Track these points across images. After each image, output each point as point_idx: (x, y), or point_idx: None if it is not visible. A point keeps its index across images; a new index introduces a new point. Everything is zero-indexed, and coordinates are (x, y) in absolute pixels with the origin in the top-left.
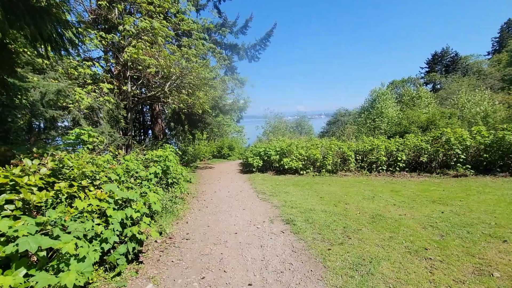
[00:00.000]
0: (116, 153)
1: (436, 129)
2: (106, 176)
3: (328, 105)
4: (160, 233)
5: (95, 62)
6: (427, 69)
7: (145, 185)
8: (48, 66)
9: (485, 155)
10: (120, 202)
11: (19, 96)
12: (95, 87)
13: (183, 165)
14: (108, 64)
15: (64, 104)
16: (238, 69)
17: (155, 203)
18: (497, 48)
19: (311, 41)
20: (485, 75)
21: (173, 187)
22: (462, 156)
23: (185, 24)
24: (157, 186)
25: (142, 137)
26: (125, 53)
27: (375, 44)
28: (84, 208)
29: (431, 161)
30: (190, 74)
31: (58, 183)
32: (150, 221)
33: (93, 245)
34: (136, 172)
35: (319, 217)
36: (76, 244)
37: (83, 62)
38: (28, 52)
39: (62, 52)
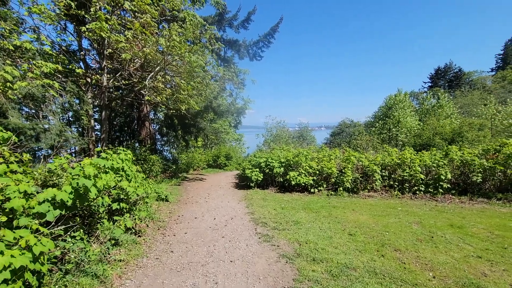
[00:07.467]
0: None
1: (463, 142)
2: None
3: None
4: None
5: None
6: (430, 84)
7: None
8: None
9: None
10: None
11: None
12: (33, 67)
13: (169, 176)
14: (82, 52)
15: None
16: (238, 66)
17: None
18: (501, 65)
19: (307, 52)
20: (490, 91)
21: (115, 220)
22: None
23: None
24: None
25: (130, 142)
26: (85, 28)
27: (372, 59)
28: None
29: (484, 181)
30: (173, 60)
31: None
32: None
33: None
34: None
35: None
36: None
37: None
38: None
39: None
